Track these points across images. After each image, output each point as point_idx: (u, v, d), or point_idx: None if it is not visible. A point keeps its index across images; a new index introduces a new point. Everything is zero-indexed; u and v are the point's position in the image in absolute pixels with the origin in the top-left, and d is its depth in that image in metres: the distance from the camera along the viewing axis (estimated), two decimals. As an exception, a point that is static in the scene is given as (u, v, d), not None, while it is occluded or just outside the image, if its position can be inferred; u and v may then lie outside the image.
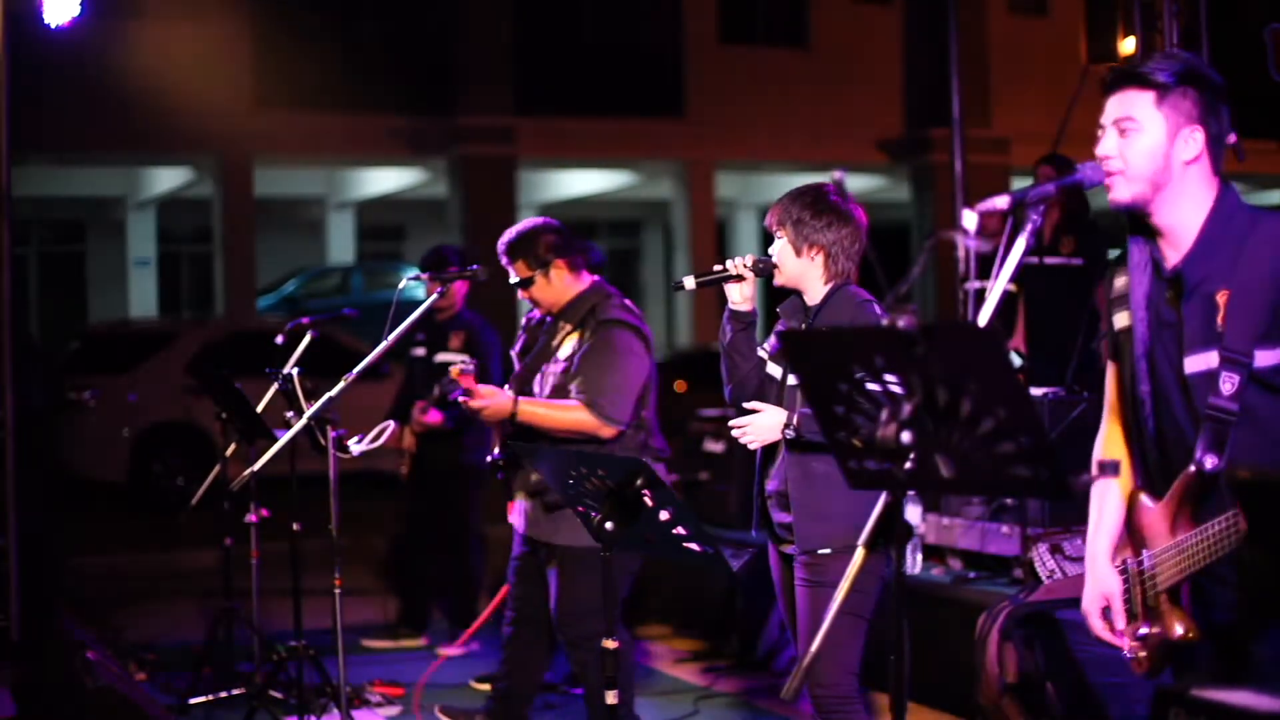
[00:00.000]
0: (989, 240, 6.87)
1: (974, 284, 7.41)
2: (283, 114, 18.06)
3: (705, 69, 20.44)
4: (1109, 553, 3.05)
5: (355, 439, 4.96)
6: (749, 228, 24.48)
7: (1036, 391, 6.19)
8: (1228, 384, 2.77)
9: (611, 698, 3.46)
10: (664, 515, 3.36)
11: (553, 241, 4.82)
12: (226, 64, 17.29)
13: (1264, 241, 2.81)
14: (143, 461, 12.98)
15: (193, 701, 5.95)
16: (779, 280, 4.15)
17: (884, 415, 2.40)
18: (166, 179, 21.17)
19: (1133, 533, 2.96)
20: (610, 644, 3.43)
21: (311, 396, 5.01)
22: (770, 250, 4.16)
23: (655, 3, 20.56)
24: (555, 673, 6.00)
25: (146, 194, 21.96)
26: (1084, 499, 3.14)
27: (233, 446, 6.19)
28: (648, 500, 3.35)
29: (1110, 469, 3.02)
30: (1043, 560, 4.82)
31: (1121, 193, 2.89)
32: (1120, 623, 2.99)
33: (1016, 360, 6.95)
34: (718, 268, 4.13)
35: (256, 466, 4.97)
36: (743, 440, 4.10)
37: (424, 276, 6.22)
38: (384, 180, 22.08)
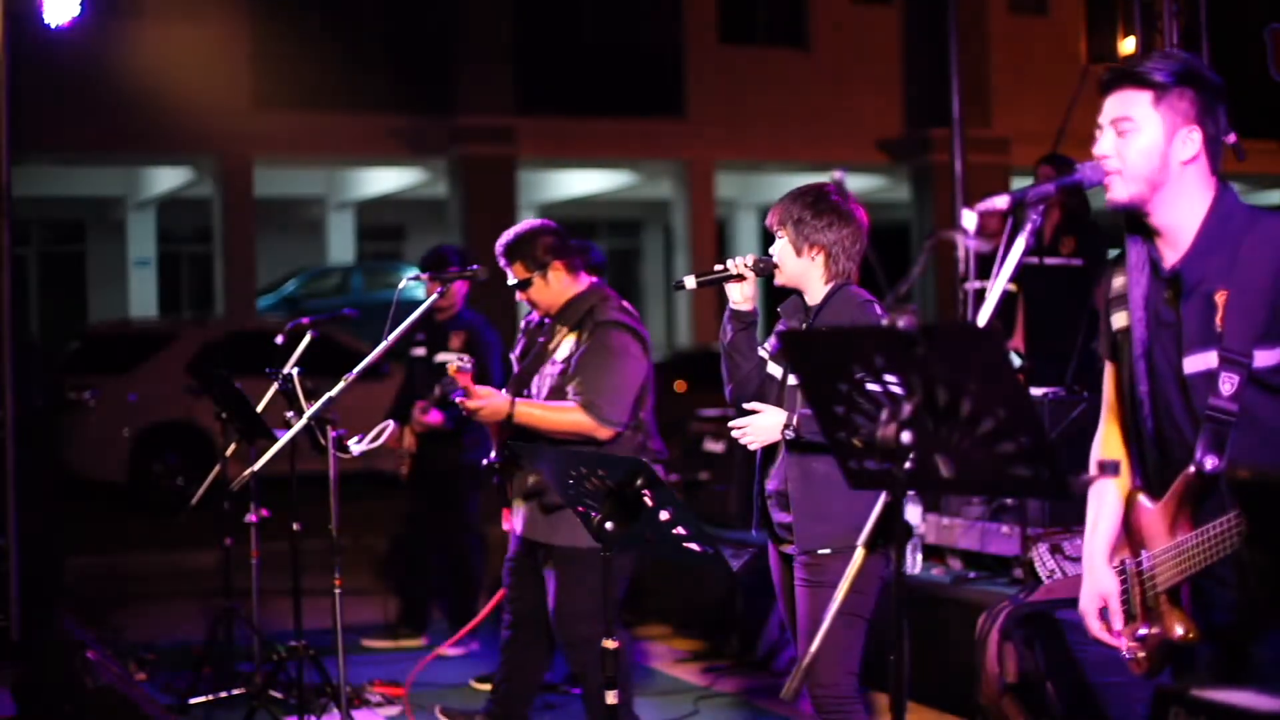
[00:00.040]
0: (989, 240, 6.87)
1: (974, 284, 7.41)
2: (283, 114, 18.06)
3: (705, 69, 20.44)
4: (1106, 553, 3.05)
5: (355, 439, 4.96)
6: (749, 228, 24.48)
7: (1036, 391, 6.19)
8: (1227, 384, 2.77)
9: (612, 698, 3.46)
10: (664, 515, 3.36)
11: (551, 243, 4.82)
12: (226, 64, 17.30)
13: (1262, 241, 2.81)
14: (143, 461, 12.98)
15: (193, 701, 5.95)
16: (780, 280, 4.15)
17: (884, 415, 2.40)
18: (166, 179, 21.17)
19: (1131, 533, 2.96)
20: (610, 644, 3.43)
21: (311, 396, 5.01)
22: (771, 250, 4.16)
23: (655, 3, 20.56)
24: (555, 673, 6.00)
25: (146, 194, 21.97)
26: (1084, 499, 3.14)
27: (233, 446, 6.19)
28: (648, 500, 3.35)
29: (1111, 469, 3.02)
30: (1043, 560, 4.83)
31: (1119, 192, 2.89)
32: (1117, 623, 2.99)
33: (1016, 360, 6.95)
34: (718, 267, 4.13)
35: (256, 466, 4.97)
36: (742, 441, 4.10)
37: (424, 276, 6.22)
38: (384, 180, 22.09)
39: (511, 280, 4.86)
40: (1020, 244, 2.71)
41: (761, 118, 20.36)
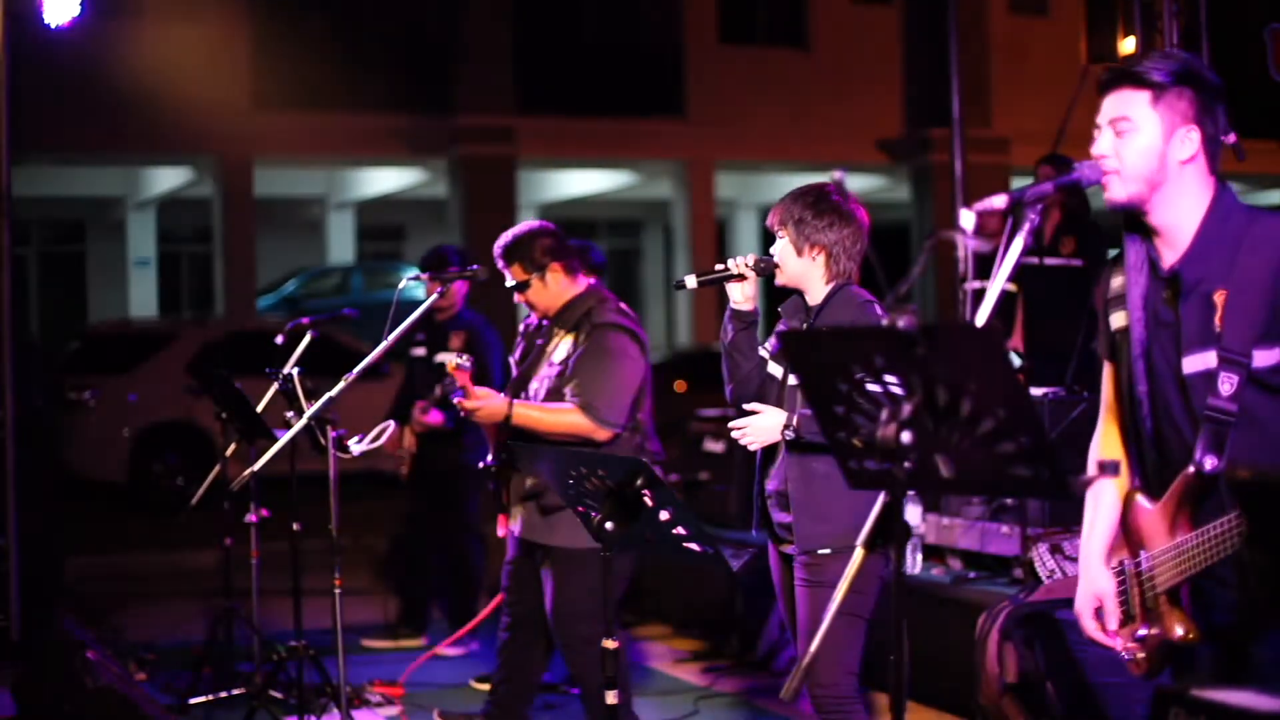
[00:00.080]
0: (988, 240, 6.86)
1: (974, 284, 7.41)
2: (283, 114, 18.06)
3: (705, 69, 20.44)
4: (1103, 554, 3.05)
5: (355, 439, 4.96)
6: (749, 228, 24.48)
7: (1036, 391, 6.19)
8: (1226, 384, 2.77)
9: (612, 698, 3.46)
10: (664, 515, 3.36)
11: (549, 245, 4.82)
12: (226, 64, 17.29)
13: (1261, 241, 2.81)
14: (143, 461, 12.99)
15: (193, 701, 5.95)
16: (780, 280, 4.15)
17: (884, 415, 2.40)
18: (166, 179, 21.17)
19: (1130, 534, 2.96)
20: (610, 644, 3.43)
21: (311, 396, 5.01)
22: (772, 250, 4.16)
23: (655, 3, 20.55)
24: (555, 673, 6.00)
25: (146, 194, 21.97)
26: (1084, 499, 3.14)
27: (233, 446, 6.19)
28: (648, 500, 3.35)
29: (1111, 469, 3.02)
30: (1043, 560, 4.82)
31: (1117, 192, 2.89)
32: (1112, 623, 2.99)
33: (1016, 360, 6.95)
34: (719, 267, 4.13)
35: (256, 466, 4.97)
36: (742, 442, 4.10)
37: (424, 276, 6.22)
38: (384, 180, 22.09)
39: (509, 282, 4.86)
40: (1019, 244, 2.71)
41: (761, 118, 20.36)
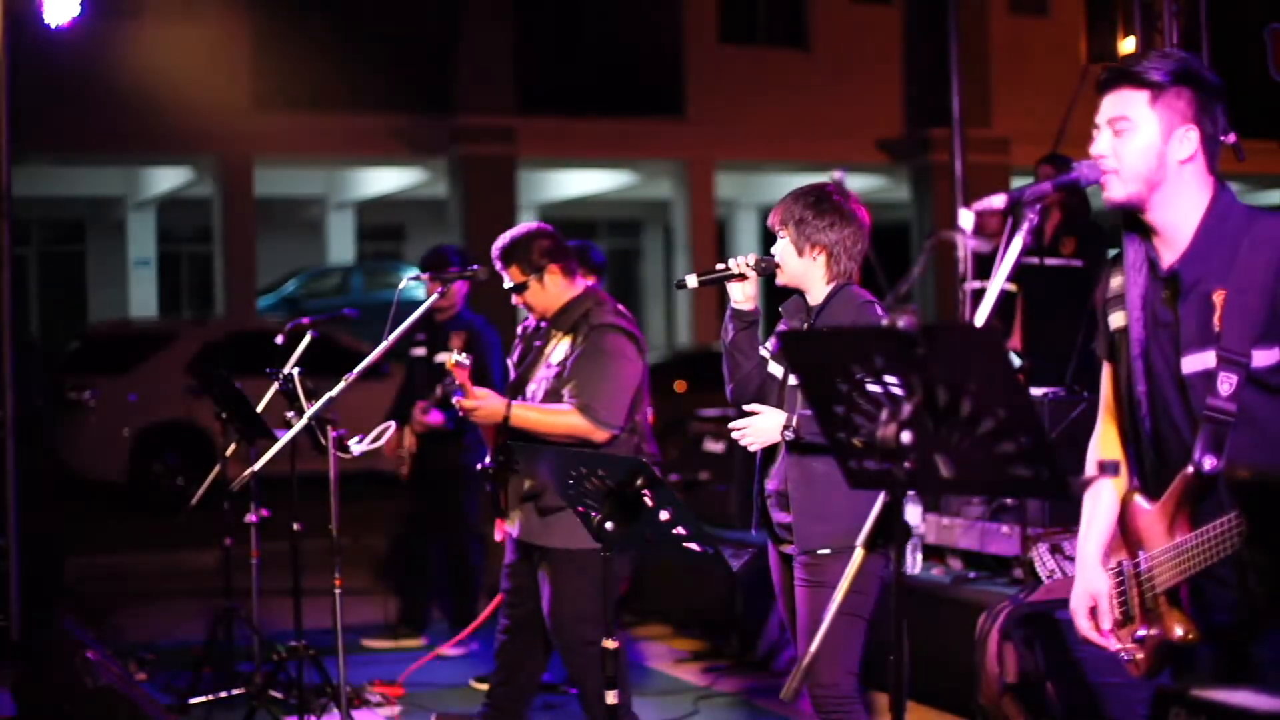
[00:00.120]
0: (988, 240, 6.87)
1: (973, 284, 7.41)
2: (283, 114, 18.06)
3: (705, 69, 20.44)
4: (1099, 554, 3.04)
5: (355, 439, 4.96)
6: (749, 228, 24.48)
7: (1036, 391, 6.19)
8: (1225, 384, 2.77)
9: (612, 698, 3.46)
10: (664, 515, 3.36)
11: (547, 246, 4.82)
12: (226, 64, 17.29)
13: (1260, 241, 2.81)
14: (143, 461, 12.99)
15: (193, 701, 5.95)
16: (781, 280, 4.15)
17: (884, 415, 2.40)
18: (166, 179, 21.17)
19: (1128, 534, 2.96)
20: (610, 644, 3.43)
21: (311, 396, 5.01)
22: (773, 250, 4.16)
23: (655, 3, 20.55)
24: (554, 673, 6.00)
25: (146, 194, 21.97)
26: (1084, 499, 3.14)
27: (233, 446, 6.19)
28: (648, 500, 3.35)
29: (1111, 469, 3.02)
30: (1043, 560, 4.83)
31: (1116, 191, 2.89)
32: (1106, 623, 2.99)
33: (1016, 360, 6.95)
34: (720, 266, 4.13)
35: (257, 466, 4.97)
36: (742, 442, 4.10)
37: (424, 276, 6.23)
38: (384, 180, 22.09)
39: (507, 284, 4.86)
40: (1018, 243, 2.71)
41: (761, 117, 20.36)
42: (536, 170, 21.44)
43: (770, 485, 4.13)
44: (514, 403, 4.65)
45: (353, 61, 18.12)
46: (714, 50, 20.64)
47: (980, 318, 2.63)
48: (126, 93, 16.32)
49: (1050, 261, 7.22)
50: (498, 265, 4.86)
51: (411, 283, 5.44)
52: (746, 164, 21.89)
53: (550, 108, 19.48)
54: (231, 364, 7.86)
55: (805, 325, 4.11)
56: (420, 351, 7.25)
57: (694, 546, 3.41)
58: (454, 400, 4.66)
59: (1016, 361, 6.85)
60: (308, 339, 5.89)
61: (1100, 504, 3.07)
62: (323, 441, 4.96)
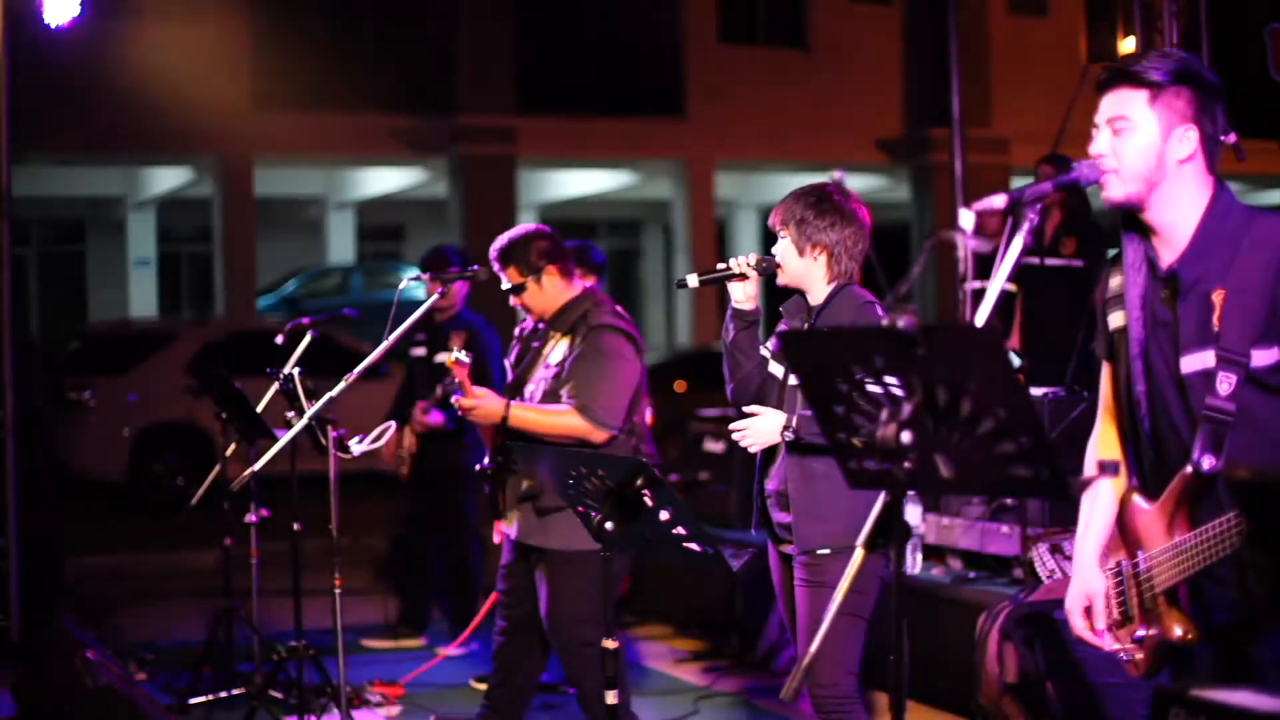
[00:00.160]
0: (988, 240, 6.87)
1: (974, 284, 7.41)
2: (283, 114, 18.06)
3: (705, 69, 20.44)
4: (1097, 553, 3.05)
5: (356, 439, 4.96)
6: (749, 228, 24.48)
7: (1036, 391, 6.19)
8: (1225, 384, 2.77)
9: (612, 698, 3.46)
10: (664, 515, 3.36)
11: (545, 248, 4.82)
12: (226, 64, 17.29)
13: (1260, 241, 2.81)
14: (143, 461, 12.98)
15: (193, 701, 5.95)
16: (782, 280, 4.15)
17: (884, 415, 2.40)
18: (166, 179, 21.17)
19: (1127, 534, 2.96)
20: (610, 644, 3.44)
21: (311, 396, 5.01)
22: (774, 249, 4.16)
23: (655, 3, 20.55)
24: (554, 673, 6.00)
25: (146, 194, 21.97)
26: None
27: (233, 446, 6.19)
28: (648, 500, 3.35)
29: (1111, 469, 3.02)
30: (1043, 560, 4.83)
31: (1115, 191, 2.89)
32: (1100, 622, 2.99)
33: (1016, 360, 6.95)
34: (721, 266, 4.13)
35: (257, 466, 4.97)
36: (743, 444, 4.10)
37: (424, 277, 6.23)
38: (384, 180, 22.09)
39: (505, 285, 4.86)
40: (1018, 243, 2.71)
41: (761, 118, 20.36)
42: (536, 170, 21.44)
43: (770, 485, 4.13)
44: (512, 403, 4.65)
45: (353, 61, 18.13)
46: (714, 50, 20.64)
47: (980, 318, 2.63)
48: (126, 93, 16.32)
49: (1050, 261, 7.22)
50: (495, 266, 4.86)
51: (411, 283, 5.44)
52: (746, 164, 21.89)
53: (550, 108, 19.49)
54: (231, 364, 7.86)
55: (806, 325, 4.11)
56: (420, 351, 7.25)
57: (694, 546, 3.41)
58: (453, 399, 4.66)
59: (1016, 361, 6.85)
60: (308, 339, 5.89)
61: (1098, 504, 3.07)
62: (323, 441, 4.96)
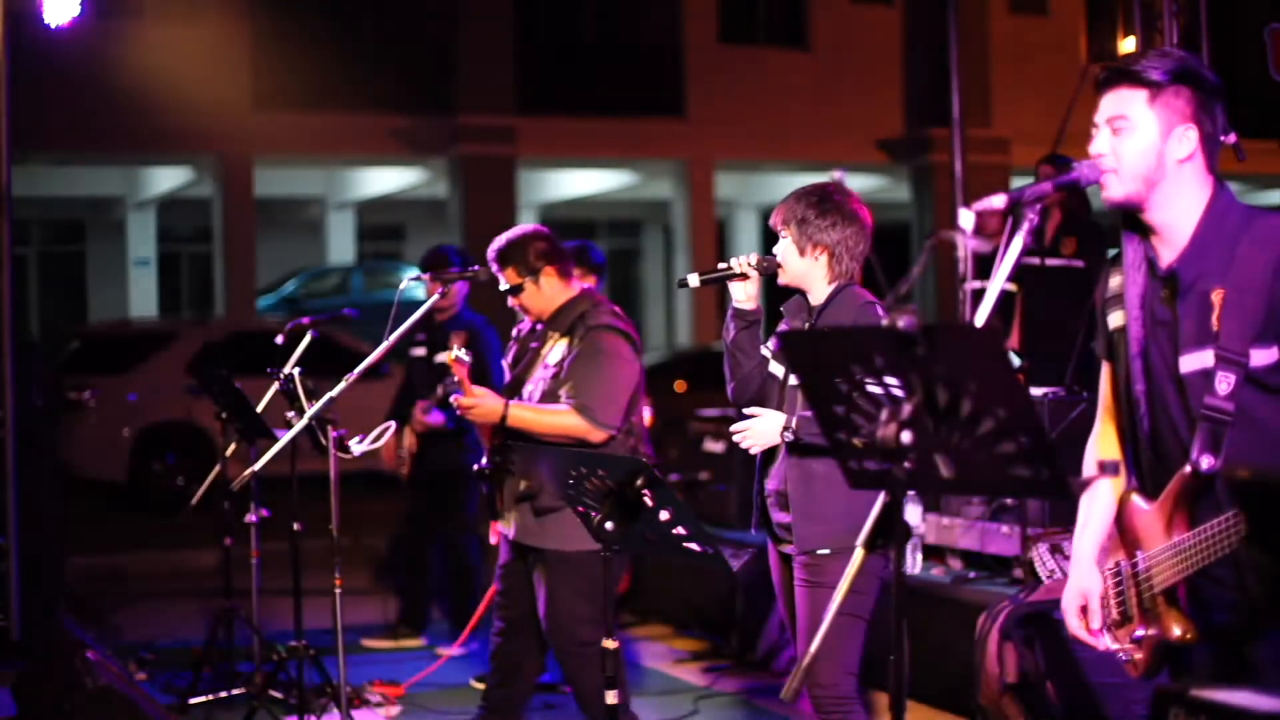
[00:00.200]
0: (988, 240, 6.88)
1: (973, 284, 7.41)
2: (283, 114, 18.06)
3: (705, 69, 20.44)
4: (1094, 553, 3.05)
5: (356, 439, 4.96)
6: (749, 227, 24.48)
7: (1036, 391, 6.19)
8: (1223, 383, 2.77)
9: (612, 698, 3.46)
10: (664, 515, 3.36)
11: (543, 249, 4.82)
12: (226, 64, 17.30)
13: (1259, 241, 2.81)
14: (143, 461, 12.99)
15: (193, 701, 5.95)
16: (783, 280, 4.15)
17: (884, 415, 2.40)
18: (166, 179, 21.17)
19: (1126, 534, 2.96)
20: (610, 644, 3.44)
21: (311, 396, 5.01)
22: (775, 249, 4.16)
23: (655, 3, 20.56)
24: (553, 673, 6.00)
25: (146, 194, 21.97)
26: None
27: (233, 446, 6.19)
28: (648, 500, 3.35)
29: (1111, 469, 3.02)
30: (1043, 560, 4.83)
31: (1115, 191, 2.89)
32: (1095, 622, 2.99)
33: (1016, 360, 6.96)
34: (722, 265, 4.13)
35: (257, 466, 4.98)
36: (743, 445, 4.10)
37: (424, 277, 6.23)
38: (384, 180, 22.09)
39: (503, 285, 4.86)
40: (1018, 243, 2.71)
41: (761, 117, 20.36)
42: (536, 170, 21.44)
43: (770, 485, 4.13)
44: (511, 402, 4.65)
45: (353, 61, 18.13)
46: (714, 50, 20.64)
47: (980, 318, 2.63)
48: (126, 93, 16.32)
49: (1051, 262, 7.23)
50: (493, 267, 4.86)
51: (412, 283, 5.45)
52: (746, 164, 21.89)
53: (550, 108, 19.49)
54: (231, 364, 7.86)
55: (807, 325, 4.11)
56: (420, 352, 7.26)
57: (694, 546, 3.41)
58: (451, 398, 4.66)
59: (1016, 361, 6.85)
60: (308, 339, 5.89)
61: (1097, 504, 3.07)
62: (323, 441, 4.96)
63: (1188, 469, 2.80)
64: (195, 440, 12.64)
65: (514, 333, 5.10)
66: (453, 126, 19.06)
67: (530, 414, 4.64)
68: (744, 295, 4.14)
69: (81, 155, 19.22)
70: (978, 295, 7.30)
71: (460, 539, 7.30)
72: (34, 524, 5.30)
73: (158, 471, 12.99)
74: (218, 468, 6.17)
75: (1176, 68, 2.86)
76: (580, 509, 3.56)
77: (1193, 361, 2.82)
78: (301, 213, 23.85)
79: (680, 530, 3.38)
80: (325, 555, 4.90)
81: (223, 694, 5.98)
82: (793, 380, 4.04)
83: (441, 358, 6.83)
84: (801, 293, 4.17)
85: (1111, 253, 3.11)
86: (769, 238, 4.21)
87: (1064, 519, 5.46)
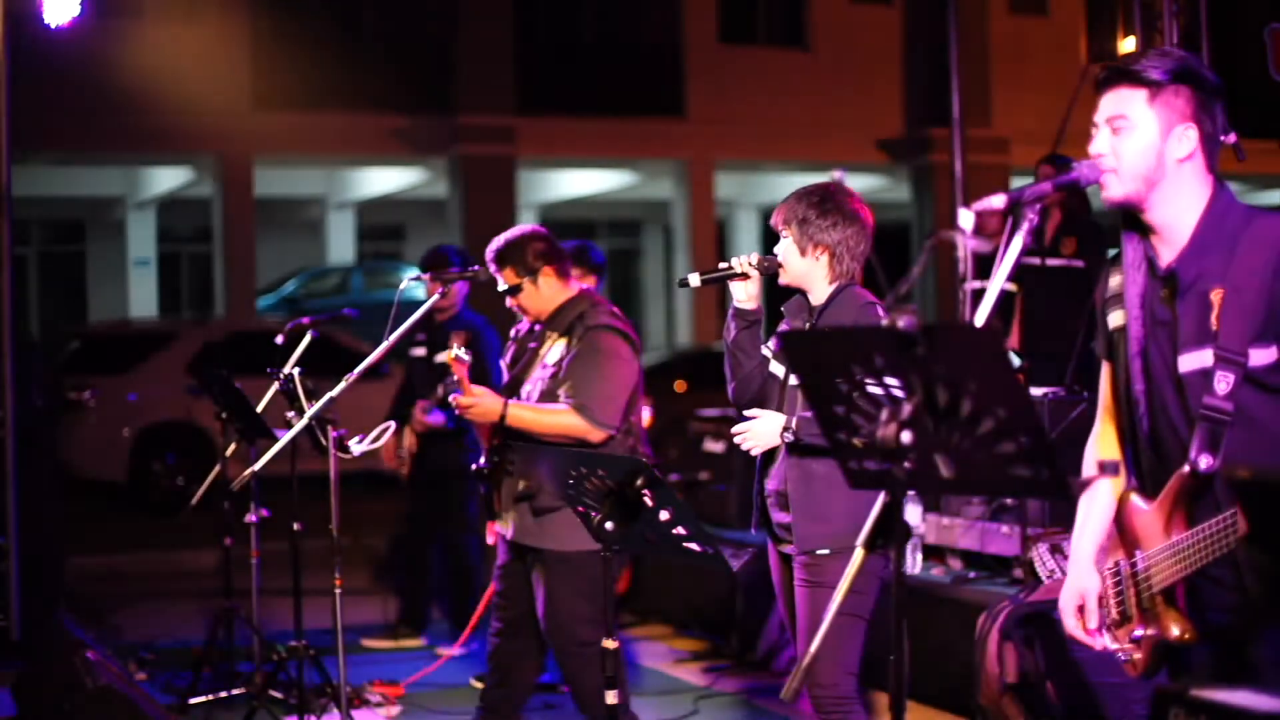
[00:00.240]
0: (988, 240, 6.88)
1: (973, 284, 7.42)
2: (283, 114, 18.06)
3: (705, 69, 20.44)
4: (1092, 553, 3.05)
5: (356, 439, 4.96)
6: (749, 227, 24.47)
7: (1036, 391, 6.19)
8: (1223, 383, 2.77)
9: (612, 698, 3.46)
10: (664, 515, 3.36)
11: (541, 249, 4.82)
12: (226, 64, 17.29)
13: (1259, 240, 2.81)
14: (143, 461, 12.99)
15: (193, 701, 5.95)
16: (784, 280, 4.15)
17: (884, 415, 2.40)
18: (166, 179, 21.17)
19: (1125, 534, 2.96)
20: (610, 644, 3.44)
21: (311, 396, 5.01)
22: (776, 249, 4.16)
23: (655, 3, 20.56)
24: (553, 673, 6.01)
25: (146, 194, 21.97)
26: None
27: (233, 446, 6.19)
28: (648, 500, 3.35)
29: (1111, 469, 3.02)
30: (1043, 560, 4.83)
31: (1114, 190, 2.89)
32: (1093, 622, 2.99)
33: (1016, 360, 6.96)
34: (723, 265, 4.13)
35: (257, 466, 4.98)
36: (743, 446, 4.10)
37: (424, 277, 6.23)
38: (384, 180, 22.09)
39: (502, 286, 4.86)
40: (1018, 243, 2.71)
41: (761, 117, 20.36)
42: (536, 170, 21.44)
43: (770, 485, 4.13)
44: (510, 402, 4.65)
45: (353, 61, 18.12)
46: (714, 50, 20.64)
47: (980, 318, 2.63)
48: (126, 93, 16.32)
49: (1051, 262, 7.23)
50: (492, 268, 4.87)
51: (412, 283, 5.45)
52: (746, 164, 21.88)
53: (550, 108, 19.49)
54: (231, 364, 7.86)
55: (807, 325, 4.11)
56: (420, 352, 7.26)
57: (694, 546, 3.41)
58: (450, 397, 4.66)
59: (1016, 361, 6.85)
60: (308, 339, 5.89)
61: (1096, 503, 3.07)
62: (323, 441, 4.96)
63: (1186, 469, 2.80)
64: (195, 440, 12.65)
65: (512, 333, 5.10)
66: (453, 126, 19.06)
67: (529, 413, 4.64)
68: (745, 295, 4.14)
69: (81, 155, 19.22)
70: (978, 295, 7.30)
71: (460, 539, 7.30)
72: (34, 524, 5.30)
73: (158, 471, 12.99)
74: (218, 468, 6.17)
75: (1176, 67, 2.86)
76: (580, 509, 3.56)
77: (1192, 361, 2.82)
78: (301, 213, 23.85)
79: (680, 530, 3.38)
80: (325, 555, 4.90)
81: (223, 694, 5.98)
82: (793, 380, 4.04)
83: (441, 357, 6.83)
84: (802, 293, 4.17)
85: (1111, 253, 3.11)
86: (769, 238, 4.22)
87: (1064, 519, 5.46)
